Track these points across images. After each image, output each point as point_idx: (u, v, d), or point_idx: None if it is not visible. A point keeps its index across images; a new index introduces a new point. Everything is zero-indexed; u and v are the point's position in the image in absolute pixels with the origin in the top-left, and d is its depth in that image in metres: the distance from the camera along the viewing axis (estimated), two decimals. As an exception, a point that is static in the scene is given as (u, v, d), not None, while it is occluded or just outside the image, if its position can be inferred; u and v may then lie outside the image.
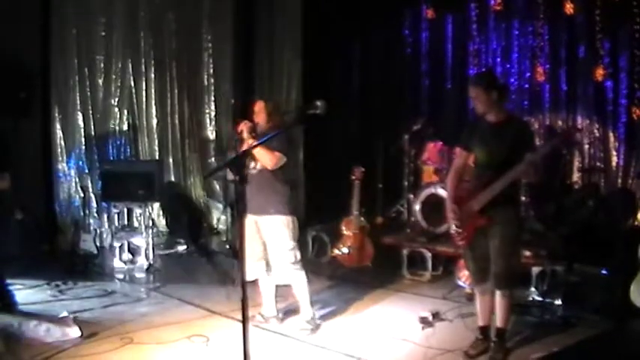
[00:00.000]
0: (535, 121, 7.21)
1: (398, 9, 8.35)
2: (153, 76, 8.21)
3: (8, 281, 5.28)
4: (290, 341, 4.52)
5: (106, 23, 7.74)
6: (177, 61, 8.37)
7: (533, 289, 5.22)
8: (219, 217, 8.43)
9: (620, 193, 6.64)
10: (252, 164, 4.57)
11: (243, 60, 8.90)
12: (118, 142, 7.95)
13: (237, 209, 3.14)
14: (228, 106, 8.80)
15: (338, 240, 6.42)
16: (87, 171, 7.64)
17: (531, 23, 7.26)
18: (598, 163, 6.89)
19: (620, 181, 6.75)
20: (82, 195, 7.57)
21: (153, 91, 8.23)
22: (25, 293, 5.50)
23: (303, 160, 8.27)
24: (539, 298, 5.15)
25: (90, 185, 7.62)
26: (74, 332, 4.48)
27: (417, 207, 6.58)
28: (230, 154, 8.01)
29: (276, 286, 4.79)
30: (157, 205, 7.73)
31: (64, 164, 7.53)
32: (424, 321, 4.73)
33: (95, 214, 7.62)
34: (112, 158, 7.84)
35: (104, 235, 7.41)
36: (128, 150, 8.03)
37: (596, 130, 6.93)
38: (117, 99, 7.91)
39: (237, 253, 3.31)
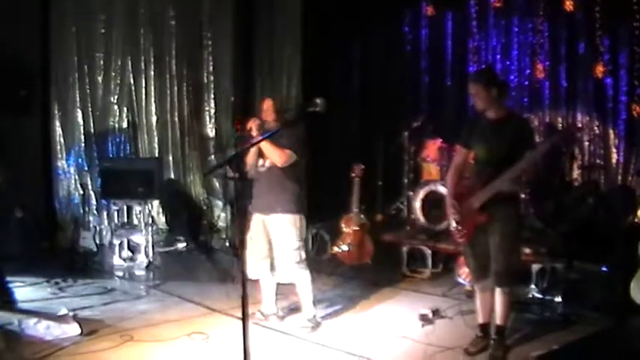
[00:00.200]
0: (535, 118, 7.20)
1: (398, 6, 8.34)
2: (152, 73, 8.21)
3: (8, 279, 5.29)
4: (290, 339, 4.52)
5: (106, 21, 7.73)
6: (177, 58, 8.36)
7: (533, 286, 5.23)
8: (218, 215, 8.43)
9: (620, 191, 6.63)
10: (261, 162, 4.56)
11: (243, 58, 8.88)
12: (118, 140, 7.95)
13: (238, 206, 3.14)
14: (228, 103, 8.79)
15: (338, 237, 6.42)
16: (86, 168, 7.64)
17: (531, 20, 7.25)
18: (598, 161, 6.89)
19: (620, 178, 6.74)
20: (81, 192, 7.57)
21: (152, 88, 8.22)
22: (25, 291, 5.51)
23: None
24: (539, 296, 5.15)
25: (89, 183, 7.62)
26: (74, 330, 4.48)
27: (417, 204, 6.58)
28: (230, 152, 8.05)
29: (278, 284, 4.79)
30: (156, 202, 7.73)
31: (64, 162, 7.53)
32: (424, 318, 4.73)
33: (95, 212, 7.61)
34: (111, 156, 7.83)
35: (104, 233, 7.41)
36: (128, 147, 8.02)
37: (596, 127, 6.92)
38: (116, 96, 7.90)
39: (237, 250, 3.30)
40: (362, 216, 6.35)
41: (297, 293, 4.72)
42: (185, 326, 4.65)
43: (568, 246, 5.44)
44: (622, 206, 6.24)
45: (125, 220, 7.12)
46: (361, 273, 6.22)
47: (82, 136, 7.63)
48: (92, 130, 7.71)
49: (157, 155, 8.13)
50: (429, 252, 6.14)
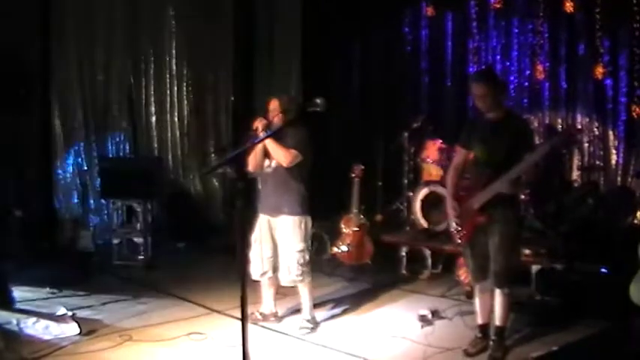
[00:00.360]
0: (535, 119, 7.20)
1: (398, 7, 8.34)
2: (152, 72, 8.21)
3: (7, 278, 5.28)
4: (289, 339, 4.52)
5: (106, 20, 7.72)
6: (177, 58, 8.36)
7: (532, 287, 5.22)
8: (218, 215, 8.43)
9: (619, 192, 6.63)
10: (267, 162, 4.55)
11: (243, 58, 8.89)
12: (118, 139, 7.95)
13: (237, 206, 3.13)
14: (228, 103, 8.80)
15: (337, 238, 6.41)
16: (86, 168, 7.64)
17: (531, 21, 7.25)
18: (597, 162, 6.89)
19: (619, 179, 6.74)
20: (81, 192, 7.56)
21: (152, 87, 8.22)
22: (24, 290, 5.50)
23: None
24: (539, 297, 5.15)
25: (89, 182, 7.61)
26: (73, 330, 4.48)
27: (417, 205, 6.58)
28: (229, 151, 8.05)
29: (278, 285, 4.78)
30: (156, 202, 7.72)
31: (63, 161, 7.52)
32: (423, 319, 4.73)
33: (94, 211, 7.60)
34: (111, 155, 7.83)
35: (103, 232, 7.40)
36: (127, 147, 8.02)
37: (595, 129, 6.92)
38: (116, 95, 7.89)
39: (239, 250, 3.32)
40: (361, 216, 6.35)
41: (297, 294, 4.71)
42: (184, 326, 4.65)
43: (568, 247, 5.44)
44: (622, 207, 6.24)
45: (124, 219, 7.11)
46: (361, 273, 6.22)
47: (82, 136, 7.62)
48: (92, 130, 7.70)
49: (156, 155, 8.13)
50: (428, 252, 6.14)
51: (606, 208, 6.15)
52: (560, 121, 7.18)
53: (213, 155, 8.51)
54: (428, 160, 6.83)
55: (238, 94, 8.82)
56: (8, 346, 4.14)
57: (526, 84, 7.35)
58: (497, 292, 4.05)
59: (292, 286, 4.68)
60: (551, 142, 4.36)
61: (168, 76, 8.34)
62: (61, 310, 4.81)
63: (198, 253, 7.34)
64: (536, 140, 6.27)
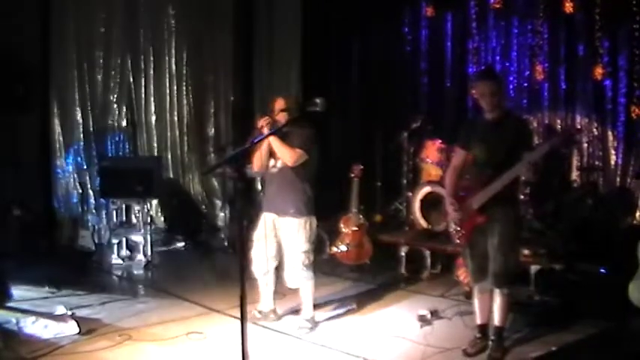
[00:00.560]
0: (534, 120, 7.20)
1: (397, 7, 8.34)
2: (152, 72, 8.21)
3: (5, 276, 5.28)
4: (288, 339, 4.52)
5: (106, 19, 7.72)
6: (177, 57, 8.36)
7: (531, 287, 5.22)
8: (217, 214, 8.43)
9: (618, 192, 6.64)
10: (272, 162, 4.55)
11: (243, 57, 8.89)
12: (117, 139, 7.95)
13: (237, 206, 3.14)
14: (228, 102, 8.80)
15: (336, 237, 6.41)
16: (85, 167, 7.63)
17: (531, 21, 7.26)
18: (597, 162, 6.90)
19: (618, 179, 6.75)
20: (80, 191, 7.57)
21: (152, 87, 8.23)
22: (23, 289, 5.49)
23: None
24: (538, 297, 5.15)
25: (88, 181, 7.61)
26: (72, 329, 4.47)
27: (416, 205, 6.58)
28: (229, 151, 8.05)
29: (277, 284, 4.77)
30: (155, 201, 7.73)
31: (63, 160, 7.52)
32: (423, 319, 4.73)
33: (93, 211, 7.61)
34: (110, 154, 7.83)
35: (102, 232, 7.41)
36: (127, 146, 8.02)
37: (594, 129, 6.93)
38: (116, 95, 7.90)
39: (238, 250, 3.32)
40: (361, 216, 6.35)
41: (297, 294, 4.71)
42: (183, 326, 4.65)
43: (567, 247, 5.45)
44: (621, 208, 6.25)
45: (124, 219, 7.11)
46: (360, 273, 6.22)
47: (81, 135, 7.62)
48: (91, 129, 7.70)
49: (156, 154, 8.13)
50: (427, 253, 6.14)
51: (605, 209, 6.16)
52: (559, 121, 7.19)
53: (212, 155, 8.51)
54: (427, 160, 6.83)
55: (238, 94, 8.82)
56: (7, 345, 4.14)
57: (525, 84, 7.36)
58: (497, 293, 4.05)
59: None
60: (551, 142, 4.37)
61: (167, 75, 8.34)
62: (60, 310, 4.81)
63: (197, 253, 7.34)
64: (536, 140, 6.29)
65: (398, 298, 5.49)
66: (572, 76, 7.04)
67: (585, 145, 6.95)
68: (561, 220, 5.98)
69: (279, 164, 4.51)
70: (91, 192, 7.61)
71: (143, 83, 8.14)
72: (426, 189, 6.54)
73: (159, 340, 4.38)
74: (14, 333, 4.39)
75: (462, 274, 5.38)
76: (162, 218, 8.08)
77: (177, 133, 8.46)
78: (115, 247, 6.69)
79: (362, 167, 6.42)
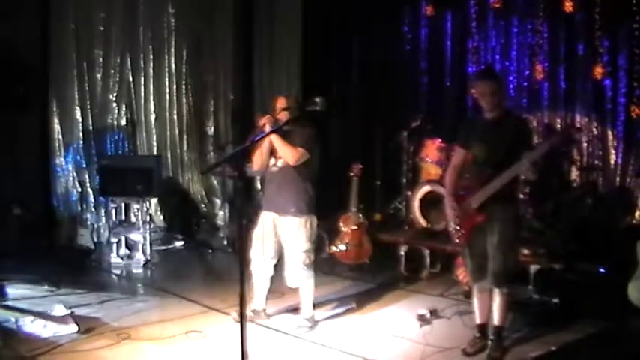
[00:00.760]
0: (534, 119, 7.20)
1: (397, 6, 8.34)
2: (151, 71, 8.21)
3: (5, 275, 5.28)
4: (287, 338, 4.52)
5: (105, 18, 7.72)
6: (176, 56, 8.36)
7: (531, 287, 5.22)
8: (217, 213, 8.43)
9: (618, 192, 6.65)
10: (273, 161, 4.54)
11: (243, 56, 8.89)
12: (116, 137, 7.94)
13: (237, 205, 3.14)
14: (227, 101, 8.80)
15: (336, 237, 6.41)
16: (85, 166, 7.63)
17: (530, 21, 7.26)
18: (596, 162, 6.90)
19: (618, 179, 6.75)
20: (79, 190, 7.56)
21: (151, 86, 8.22)
22: (22, 288, 5.49)
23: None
24: (537, 296, 5.15)
25: (88, 180, 7.61)
26: (71, 328, 4.47)
27: (416, 204, 6.58)
28: (228, 150, 8.05)
29: (272, 282, 4.76)
30: (154, 200, 7.73)
31: (62, 159, 7.51)
32: (422, 318, 4.73)
33: (93, 209, 7.61)
34: (110, 153, 7.82)
35: (101, 231, 7.42)
36: (126, 145, 8.02)
37: (594, 129, 6.92)
38: (115, 94, 7.89)
39: (238, 249, 3.31)
40: (360, 215, 6.35)
41: (296, 293, 4.71)
42: (182, 324, 4.65)
43: (566, 247, 5.45)
44: (620, 207, 6.25)
45: (123, 217, 7.10)
46: (359, 272, 6.22)
47: (81, 134, 7.62)
48: (91, 128, 7.70)
49: (155, 153, 8.12)
50: (427, 252, 6.14)
51: (605, 208, 6.16)
52: (559, 121, 7.19)
53: (212, 154, 8.51)
54: (427, 159, 6.83)
55: (238, 93, 8.82)
56: (6, 343, 4.14)
57: (525, 84, 7.36)
58: (496, 292, 4.05)
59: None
60: (550, 142, 4.36)
61: (167, 74, 8.33)
62: (60, 308, 4.81)
63: (196, 252, 7.34)
64: (536, 140, 6.29)
65: (397, 298, 5.49)
66: (571, 76, 7.03)
67: (585, 144, 6.95)
68: (561, 219, 5.98)
69: (279, 163, 4.50)
70: (90, 191, 7.61)
71: (143, 82, 8.13)
72: (426, 188, 6.54)
73: (158, 338, 4.38)
74: (13, 331, 4.39)
75: (462, 273, 5.38)
76: (162, 217, 8.08)
77: (177, 132, 8.46)
78: (115, 245, 6.68)
79: (361, 166, 6.42)
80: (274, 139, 4.36)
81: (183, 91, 8.48)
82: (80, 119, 7.61)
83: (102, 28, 7.70)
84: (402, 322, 4.80)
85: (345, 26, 8.52)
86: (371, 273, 6.18)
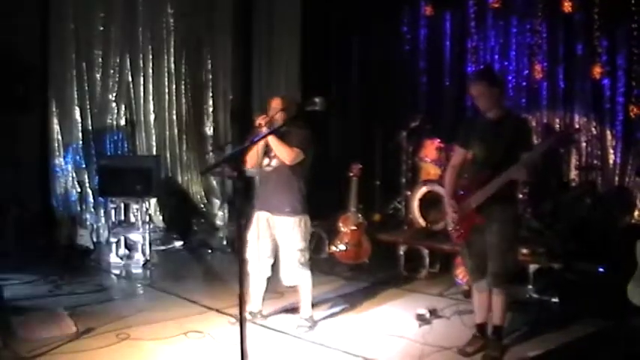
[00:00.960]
0: (533, 119, 7.20)
1: (396, 6, 8.35)
2: (151, 71, 8.20)
3: (4, 276, 5.27)
4: (287, 338, 4.52)
5: (105, 18, 7.71)
6: (176, 56, 8.35)
7: (530, 286, 5.23)
8: (216, 213, 8.43)
9: (617, 191, 6.66)
10: (267, 161, 4.55)
11: (242, 56, 8.89)
12: (116, 137, 7.93)
13: (236, 205, 3.15)
14: (226, 101, 8.80)
15: (335, 237, 6.42)
16: (84, 166, 7.62)
17: (529, 21, 7.27)
18: (595, 161, 6.90)
19: (617, 179, 6.76)
20: (79, 190, 7.55)
21: (150, 86, 8.22)
22: (21, 288, 5.49)
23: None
24: (536, 296, 5.17)
25: (87, 180, 7.60)
26: (70, 328, 4.47)
27: (415, 204, 6.59)
28: (228, 150, 8.06)
29: (268, 283, 4.76)
30: (154, 200, 7.72)
31: (62, 159, 7.50)
32: (421, 318, 4.73)
33: (92, 210, 7.60)
34: (109, 153, 7.82)
35: (101, 231, 7.41)
36: (125, 145, 8.01)
37: (593, 128, 6.93)
38: (114, 94, 7.88)
39: (237, 249, 3.31)
40: (359, 215, 6.35)
41: (295, 293, 4.71)
42: (182, 325, 4.64)
43: (565, 246, 5.46)
44: (619, 207, 6.26)
45: (122, 218, 7.11)
46: (358, 272, 6.22)
47: (80, 134, 7.61)
48: (90, 128, 7.69)
49: (154, 153, 8.12)
50: (426, 252, 6.14)
51: (604, 208, 6.17)
52: (558, 120, 7.20)
53: (211, 154, 8.51)
54: (426, 159, 6.83)
55: (237, 93, 8.82)
56: (6, 344, 4.14)
57: (524, 84, 7.37)
58: (495, 292, 4.05)
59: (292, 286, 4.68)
60: (549, 142, 4.38)
61: (166, 74, 8.33)
62: (59, 309, 4.81)
63: (196, 252, 7.34)
64: (535, 140, 6.29)
65: (396, 297, 5.50)
66: (570, 76, 7.05)
67: (584, 144, 6.96)
68: (560, 219, 5.99)
69: (273, 163, 4.51)
70: (89, 191, 7.60)
71: (142, 82, 8.13)
72: (425, 188, 6.54)
73: (157, 339, 4.37)
74: (13, 332, 4.39)
75: (461, 273, 5.39)
76: (161, 217, 8.07)
77: (176, 132, 8.46)
78: (114, 246, 6.68)
79: (361, 166, 6.43)
80: (271, 139, 4.36)
81: (183, 91, 8.48)
82: (79, 119, 7.60)
83: (101, 28, 7.69)
84: (401, 321, 4.80)
85: (344, 26, 8.53)
86: (370, 273, 6.19)
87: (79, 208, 7.52)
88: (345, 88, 8.77)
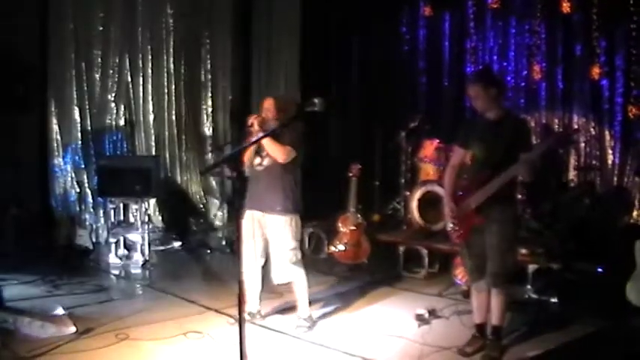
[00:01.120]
0: (531, 120, 7.21)
1: (396, 6, 8.36)
2: (150, 71, 8.19)
3: (3, 276, 5.27)
4: (286, 338, 4.52)
5: (104, 18, 7.71)
6: (175, 56, 8.35)
7: (529, 286, 5.24)
8: (215, 214, 8.43)
9: (616, 192, 6.67)
10: (258, 160, 4.55)
11: (241, 56, 8.89)
12: (115, 138, 7.93)
13: (235, 206, 3.16)
14: (226, 102, 8.79)
15: (334, 237, 6.43)
16: (83, 166, 7.61)
17: (528, 21, 7.28)
18: (594, 162, 6.91)
19: (615, 179, 6.77)
20: (78, 190, 7.55)
21: (150, 86, 8.21)
22: (20, 288, 5.49)
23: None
24: (535, 296, 5.17)
25: (86, 180, 7.59)
26: (69, 328, 4.47)
27: (414, 204, 6.59)
28: (227, 150, 8.06)
29: (264, 283, 4.77)
30: (153, 200, 7.72)
31: (61, 159, 7.50)
32: (420, 318, 4.73)
33: (91, 210, 7.59)
34: (108, 153, 7.81)
35: (100, 231, 7.41)
36: (125, 145, 8.01)
37: (592, 129, 6.95)
38: (114, 94, 7.88)
39: (236, 249, 3.32)
40: (359, 215, 6.36)
41: (292, 293, 4.71)
42: (181, 325, 4.64)
43: (564, 246, 5.47)
44: (618, 207, 6.27)
45: (121, 218, 7.11)
46: (358, 273, 6.23)
47: (79, 134, 7.60)
48: (89, 128, 7.68)
49: (153, 153, 8.11)
50: (425, 252, 6.14)
51: (603, 208, 6.18)
52: (556, 121, 7.21)
53: (210, 154, 8.51)
54: (425, 159, 6.84)
55: (236, 93, 8.82)
56: (5, 344, 4.14)
57: (523, 84, 7.38)
58: (494, 292, 4.06)
59: (285, 284, 4.67)
60: (548, 142, 4.38)
61: (165, 74, 8.32)
62: (58, 309, 4.81)
63: (195, 252, 7.34)
64: (533, 140, 6.30)
65: (395, 298, 5.50)
66: (569, 76, 7.06)
67: (582, 144, 6.97)
68: (559, 219, 6.00)
69: (265, 162, 4.51)
70: (88, 191, 7.59)
71: (141, 82, 8.12)
72: (424, 188, 6.55)
73: (157, 339, 4.37)
74: (12, 332, 4.38)
75: (460, 273, 5.40)
76: (160, 217, 8.07)
77: (175, 132, 8.45)
78: (113, 246, 6.67)
79: (360, 167, 6.43)
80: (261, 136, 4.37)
81: (182, 92, 8.48)
82: (79, 119, 7.59)
83: (101, 28, 7.68)
84: (400, 321, 4.81)
85: (344, 26, 8.53)
86: (369, 273, 6.19)
87: (78, 209, 7.51)
88: (345, 89, 8.78)
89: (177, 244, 7.58)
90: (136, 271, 6.44)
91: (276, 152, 4.39)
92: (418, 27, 8.31)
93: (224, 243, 7.45)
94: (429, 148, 6.81)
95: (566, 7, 6.83)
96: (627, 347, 4.11)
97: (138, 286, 5.92)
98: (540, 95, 7.28)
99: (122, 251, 6.72)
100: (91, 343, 4.29)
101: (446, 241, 5.58)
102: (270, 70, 8.88)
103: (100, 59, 7.73)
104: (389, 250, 6.42)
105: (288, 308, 4.95)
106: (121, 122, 7.96)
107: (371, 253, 6.39)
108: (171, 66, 8.35)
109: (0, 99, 6.52)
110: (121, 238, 6.74)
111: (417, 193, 6.59)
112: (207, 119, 8.70)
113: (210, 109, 8.70)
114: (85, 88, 7.66)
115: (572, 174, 6.92)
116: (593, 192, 6.45)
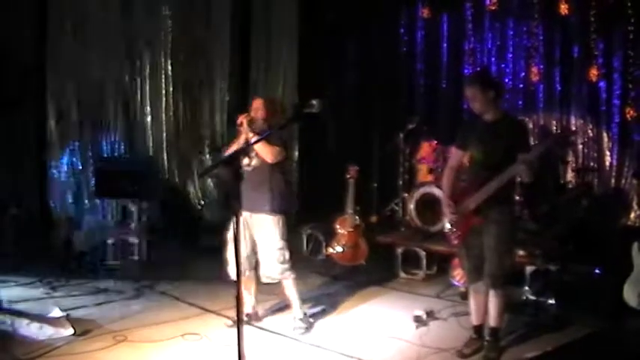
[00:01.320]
0: (529, 121, 7.21)
1: (394, 8, 8.36)
2: (148, 72, 8.18)
3: (1, 277, 5.26)
4: (284, 340, 4.52)
5: (102, 18, 7.69)
6: (173, 57, 8.34)
7: (527, 288, 5.24)
8: (213, 215, 8.41)
9: (613, 193, 6.67)
10: (247, 161, 4.56)
11: (239, 58, 8.88)
12: (113, 139, 7.91)
13: (232, 208, 3.15)
14: (223, 103, 8.79)
15: (332, 238, 6.42)
16: (81, 167, 7.60)
17: (526, 23, 7.28)
18: (592, 163, 6.92)
19: (613, 180, 6.78)
20: (75, 191, 7.53)
21: (148, 87, 8.20)
22: (18, 290, 5.48)
23: (298, 159, 8.30)
24: (533, 298, 5.17)
25: (84, 182, 7.58)
26: (67, 330, 4.46)
27: (412, 206, 6.60)
28: (224, 152, 8.04)
29: (261, 284, 4.76)
30: (150, 202, 7.70)
31: (58, 160, 7.49)
32: (418, 319, 4.74)
33: (89, 211, 7.58)
34: (106, 155, 7.80)
35: (97, 232, 7.38)
36: (122, 147, 7.99)
37: (589, 130, 6.95)
38: (112, 95, 7.86)
39: (235, 250, 3.33)
40: (357, 217, 6.36)
41: (282, 293, 4.72)
42: (179, 327, 4.65)
43: (562, 248, 5.47)
44: (615, 209, 6.28)
45: (119, 219, 7.10)
46: (355, 274, 6.22)
47: (77, 135, 7.59)
48: (87, 129, 7.67)
49: (151, 155, 8.11)
50: (423, 253, 6.14)
51: (600, 210, 6.19)
52: (554, 122, 7.21)
53: (208, 155, 8.50)
54: (423, 161, 6.84)
55: (234, 94, 8.82)
56: (3, 346, 4.13)
57: (521, 86, 7.37)
58: (492, 293, 4.06)
59: (276, 284, 4.67)
60: (546, 143, 4.39)
61: (163, 75, 8.32)
62: (55, 311, 4.80)
63: (192, 254, 7.31)
64: (531, 142, 6.31)
65: (393, 299, 5.50)
66: (567, 78, 7.06)
67: (580, 146, 6.98)
68: (556, 221, 6.00)
69: (254, 162, 4.53)
70: (86, 192, 7.58)
71: (139, 83, 8.11)
72: (422, 190, 6.55)
73: (154, 341, 4.38)
74: (9, 334, 4.38)
75: (458, 274, 5.40)
76: (158, 219, 8.05)
77: (173, 133, 8.44)
78: (110, 247, 6.66)
79: (358, 168, 6.44)
80: (254, 140, 4.38)
81: (180, 93, 8.47)
82: (77, 120, 7.58)
83: (99, 29, 7.68)
84: (398, 323, 4.81)
85: (342, 28, 8.53)
86: (367, 274, 6.19)
87: (75, 210, 7.49)
88: (342, 90, 8.77)
89: (174, 245, 7.56)
90: (133, 272, 6.43)
91: (265, 152, 4.42)
92: (416, 28, 8.30)
93: (221, 244, 7.42)
94: (427, 149, 6.81)
95: (563, 9, 6.83)
96: (625, 348, 4.12)
97: (135, 287, 5.91)
98: (538, 97, 7.28)
99: (119, 252, 6.70)
100: (88, 345, 4.29)
101: (444, 243, 5.59)
102: (268, 71, 8.88)
103: (97, 61, 7.71)
104: (387, 252, 6.42)
105: (283, 308, 4.95)
106: (119, 124, 7.95)
107: (369, 255, 6.39)
108: (169, 67, 8.34)
109: (-1, 99, 6.53)
110: (119, 240, 6.73)
111: (415, 195, 6.59)
112: (204, 120, 8.69)
113: (207, 111, 8.69)
114: (83, 89, 7.64)
115: (569, 175, 6.92)
116: (591, 194, 6.45)
